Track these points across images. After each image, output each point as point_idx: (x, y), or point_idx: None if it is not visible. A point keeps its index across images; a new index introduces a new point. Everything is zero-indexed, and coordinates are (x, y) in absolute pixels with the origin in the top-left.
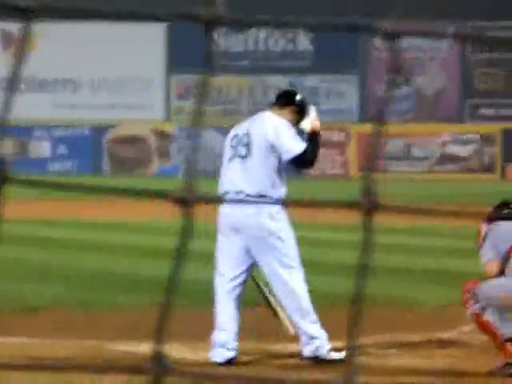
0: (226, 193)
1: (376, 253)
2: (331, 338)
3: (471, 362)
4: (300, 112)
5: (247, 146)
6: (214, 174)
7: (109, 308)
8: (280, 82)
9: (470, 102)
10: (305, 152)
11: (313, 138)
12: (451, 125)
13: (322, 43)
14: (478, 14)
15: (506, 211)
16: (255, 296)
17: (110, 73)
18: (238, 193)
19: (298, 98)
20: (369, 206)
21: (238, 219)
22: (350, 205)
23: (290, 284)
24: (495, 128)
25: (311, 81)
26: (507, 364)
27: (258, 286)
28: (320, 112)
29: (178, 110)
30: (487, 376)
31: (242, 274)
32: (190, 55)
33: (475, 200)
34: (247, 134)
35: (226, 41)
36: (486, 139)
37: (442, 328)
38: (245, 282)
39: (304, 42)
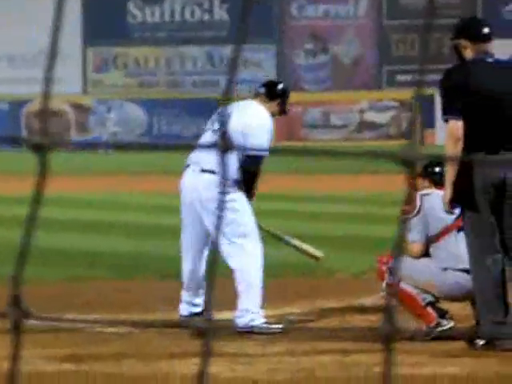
0: (188, 165)
1: (298, 221)
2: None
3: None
4: (284, 103)
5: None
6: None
7: None
8: (197, 53)
9: (387, 69)
10: (257, 160)
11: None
12: (369, 92)
13: (238, 12)
14: None
15: (438, 169)
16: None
17: (27, 47)
18: (195, 163)
19: (284, 89)
20: None
21: (192, 190)
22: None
23: (240, 263)
24: (412, 93)
25: (228, 51)
26: (429, 328)
27: (269, 232)
28: (238, 81)
29: (95, 82)
30: (408, 340)
31: (204, 238)
32: (106, 28)
33: (394, 166)
34: (228, 119)
35: (141, 12)
36: (404, 105)
37: (362, 293)
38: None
39: (220, 11)
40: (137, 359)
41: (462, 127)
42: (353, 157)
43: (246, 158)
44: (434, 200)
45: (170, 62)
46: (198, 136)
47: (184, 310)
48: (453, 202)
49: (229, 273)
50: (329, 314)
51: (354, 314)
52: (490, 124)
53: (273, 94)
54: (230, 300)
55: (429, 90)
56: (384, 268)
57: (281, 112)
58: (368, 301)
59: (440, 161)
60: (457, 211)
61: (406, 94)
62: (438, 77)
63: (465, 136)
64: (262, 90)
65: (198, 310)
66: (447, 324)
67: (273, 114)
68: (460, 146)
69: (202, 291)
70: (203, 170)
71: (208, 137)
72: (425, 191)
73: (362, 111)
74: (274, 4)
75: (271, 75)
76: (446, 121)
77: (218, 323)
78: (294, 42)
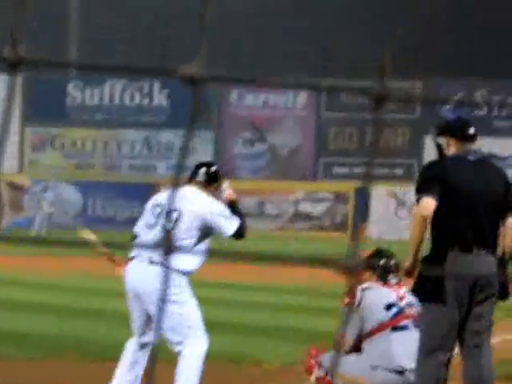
0: (134, 257)
1: (229, 309)
2: None
3: None
4: (219, 185)
5: (176, 221)
6: (73, 226)
7: None
8: (135, 137)
9: (324, 161)
10: (241, 225)
11: (235, 208)
12: (304, 183)
13: (177, 98)
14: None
15: (382, 262)
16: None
17: None
18: (148, 258)
19: (218, 172)
20: None
21: (138, 284)
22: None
23: (183, 352)
24: (348, 186)
25: (166, 136)
26: None
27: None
28: (174, 167)
29: (32, 162)
30: None
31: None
32: (45, 107)
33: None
34: (178, 211)
35: (81, 94)
36: (339, 197)
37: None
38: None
39: (160, 96)
40: None
41: (434, 207)
42: (292, 263)
43: (233, 233)
44: (374, 295)
45: (107, 144)
46: (132, 220)
47: None
48: (414, 292)
49: (170, 359)
50: None
51: None
52: (464, 221)
53: (211, 179)
54: None
55: (364, 184)
56: (313, 362)
57: (216, 196)
58: None
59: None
60: (394, 310)
61: (342, 186)
62: (377, 171)
63: (439, 231)
64: (201, 178)
65: None
66: None
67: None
68: (425, 225)
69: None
70: (151, 262)
71: (155, 233)
72: (366, 285)
73: (297, 202)
74: (213, 91)
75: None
76: (418, 201)
77: None
78: (232, 130)
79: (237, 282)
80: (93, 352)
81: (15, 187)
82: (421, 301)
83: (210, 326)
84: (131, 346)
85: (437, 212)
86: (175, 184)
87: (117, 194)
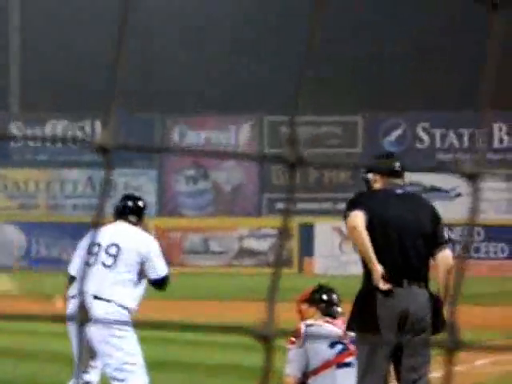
0: (74, 296)
1: (174, 347)
2: None
3: None
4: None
5: (114, 257)
6: (11, 269)
7: None
8: (78, 176)
9: (268, 197)
10: (167, 274)
11: None
12: (249, 219)
13: (118, 138)
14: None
15: (324, 297)
16: None
17: None
18: (92, 294)
19: (140, 204)
20: None
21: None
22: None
23: None
24: (292, 222)
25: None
26: None
27: None
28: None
29: None
30: None
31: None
32: None
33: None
34: (116, 246)
35: (23, 134)
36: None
37: None
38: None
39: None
40: None
41: (361, 219)
42: (208, 330)
43: (159, 278)
44: (319, 331)
45: (50, 184)
46: None
47: None
48: (348, 328)
49: None
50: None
51: None
52: (393, 254)
53: (140, 214)
54: None
55: (308, 218)
56: None
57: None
58: None
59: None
60: (339, 347)
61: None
62: (317, 206)
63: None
64: (132, 217)
65: None
66: None
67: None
68: (363, 234)
69: None
70: (96, 298)
71: (94, 271)
72: (310, 321)
73: (241, 238)
74: (156, 129)
75: (152, 200)
76: (345, 218)
77: None
78: (174, 167)
79: (173, 319)
80: None
81: None
82: (356, 330)
83: (150, 365)
84: None
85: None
86: (97, 220)
87: (61, 234)
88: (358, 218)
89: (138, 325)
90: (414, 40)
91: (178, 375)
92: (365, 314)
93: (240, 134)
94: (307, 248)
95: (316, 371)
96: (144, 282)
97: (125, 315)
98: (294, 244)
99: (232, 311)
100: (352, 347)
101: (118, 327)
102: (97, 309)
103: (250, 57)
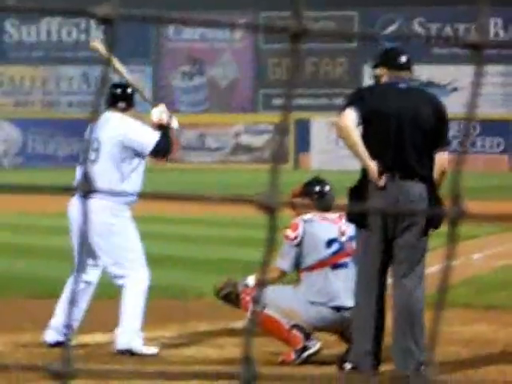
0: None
1: (170, 243)
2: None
3: (263, 349)
4: (130, 101)
5: (96, 151)
6: (13, 165)
7: None
8: (73, 73)
9: (264, 92)
10: (160, 141)
11: (162, 130)
12: (245, 115)
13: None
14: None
15: (317, 188)
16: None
17: None
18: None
19: (129, 91)
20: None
21: (79, 216)
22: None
23: (125, 286)
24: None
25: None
26: (297, 351)
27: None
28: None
29: None
30: (281, 364)
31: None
32: None
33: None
34: (97, 140)
35: (18, 31)
36: (279, 129)
37: (233, 317)
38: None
39: (97, 32)
40: (5, 378)
41: (352, 119)
42: (212, 202)
43: (151, 150)
44: (316, 228)
45: (45, 81)
46: (72, 156)
47: (50, 336)
48: (350, 220)
49: (112, 294)
50: (201, 337)
51: (226, 338)
52: (386, 148)
53: (129, 100)
54: (110, 322)
55: (304, 114)
56: (248, 298)
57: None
58: (239, 324)
59: (312, 195)
60: (335, 247)
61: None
62: (313, 101)
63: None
64: (122, 103)
65: (62, 338)
66: (314, 346)
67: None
68: (353, 132)
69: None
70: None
71: (79, 162)
72: (308, 216)
73: (237, 134)
74: (151, 25)
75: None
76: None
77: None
78: (170, 63)
79: (172, 215)
80: (38, 289)
81: None
82: (355, 225)
83: (150, 261)
84: (72, 283)
85: (363, 139)
86: (93, 115)
87: (56, 131)
88: (348, 117)
89: (143, 196)
90: None
91: (177, 271)
92: (360, 205)
93: (235, 30)
94: (303, 144)
95: (310, 269)
96: (140, 170)
97: (125, 210)
98: (290, 139)
99: (228, 207)
100: (349, 246)
101: (117, 222)
102: (95, 206)
103: None
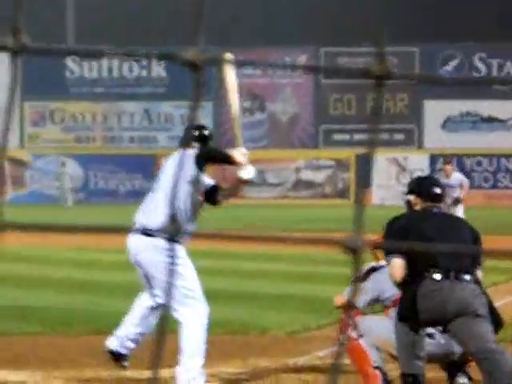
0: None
1: (234, 278)
2: (219, 363)
3: None
4: (203, 144)
5: (157, 182)
6: (65, 201)
7: None
8: (135, 109)
9: (324, 128)
10: (215, 186)
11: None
12: (305, 151)
13: (176, 70)
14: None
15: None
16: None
17: None
18: (138, 225)
19: (205, 133)
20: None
21: (135, 252)
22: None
23: (184, 322)
24: (349, 153)
25: (166, 107)
26: None
27: None
28: (175, 138)
29: (31, 136)
30: None
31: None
32: (43, 82)
33: (330, 225)
34: (161, 171)
35: (80, 67)
36: (340, 164)
37: (296, 353)
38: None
39: (158, 68)
40: None
41: (401, 268)
42: (297, 243)
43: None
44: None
45: (107, 117)
46: (134, 192)
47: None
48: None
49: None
50: (263, 373)
51: (288, 374)
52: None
53: (205, 141)
54: (171, 356)
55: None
56: (347, 321)
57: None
58: (301, 360)
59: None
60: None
61: (342, 153)
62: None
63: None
64: (196, 144)
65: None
66: None
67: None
68: (400, 276)
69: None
70: (145, 233)
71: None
72: (378, 264)
73: (298, 170)
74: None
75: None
76: (388, 260)
77: None
78: None
79: (231, 250)
80: (99, 324)
81: (16, 163)
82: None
83: (210, 297)
84: (141, 300)
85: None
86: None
87: (117, 167)
88: (398, 271)
89: (212, 236)
90: None
91: (235, 306)
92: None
93: (296, 63)
94: (364, 178)
95: (394, 303)
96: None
97: (181, 249)
98: (350, 175)
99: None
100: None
101: (173, 259)
102: (146, 243)
103: None
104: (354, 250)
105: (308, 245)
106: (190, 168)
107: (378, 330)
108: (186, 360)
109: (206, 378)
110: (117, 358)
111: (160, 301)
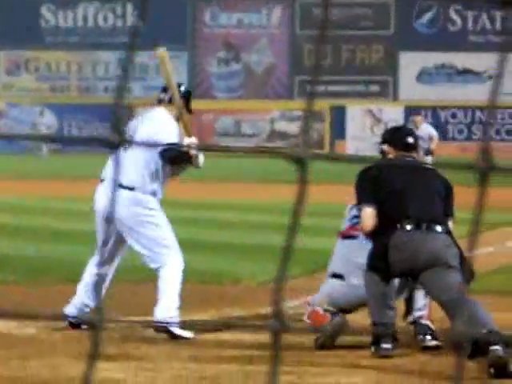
0: (103, 180)
1: (206, 228)
2: (196, 311)
3: (297, 336)
4: (186, 104)
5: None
6: (40, 150)
7: None
8: (109, 58)
9: (299, 79)
10: (165, 152)
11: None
12: (280, 102)
13: (151, 19)
14: None
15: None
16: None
17: None
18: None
19: (182, 89)
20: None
21: (107, 206)
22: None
23: (161, 271)
24: (324, 105)
25: (141, 57)
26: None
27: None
28: (150, 88)
29: (6, 85)
30: (317, 349)
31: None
32: (17, 32)
33: (310, 177)
34: (133, 130)
35: (55, 16)
36: (315, 116)
37: (268, 303)
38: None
39: (133, 18)
40: (42, 363)
41: (372, 217)
42: (249, 154)
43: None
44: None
45: (82, 67)
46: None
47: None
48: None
49: (148, 278)
50: (236, 323)
51: (261, 323)
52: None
53: (169, 97)
54: (145, 306)
55: (340, 101)
56: (306, 306)
57: (180, 113)
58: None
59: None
60: (355, 221)
61: (317, 104)
62: (349, 88)
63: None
64: (164, 96)
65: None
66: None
67: (177, 118)
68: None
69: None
70: (120, 186)
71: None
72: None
73: (272, 120)
74: (187, 11)
75: (183, 82)
76: (360, 209)
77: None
78: (206, 49)
79: (206, 200)
80: (74, 273)
81: None
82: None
83: (186, 247)
84: (92, 266)
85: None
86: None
87: (93, 116)
88: (369, 220)
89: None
90: None
91: (210, 257)
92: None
93: (272, 16)
94: (339, 130)
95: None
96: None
97: (153, 201)
98: (325, 126)
99: (263, 191)
100: None
101: (147, 213)
102: (123, 197)
103: None
104: (301, 161)
105: (257, 155)
106: (157, 153)
107: (322, 291)
108: (162, 303)
109: (178, 324)
110: (75, 325)
111: (142, 252)
